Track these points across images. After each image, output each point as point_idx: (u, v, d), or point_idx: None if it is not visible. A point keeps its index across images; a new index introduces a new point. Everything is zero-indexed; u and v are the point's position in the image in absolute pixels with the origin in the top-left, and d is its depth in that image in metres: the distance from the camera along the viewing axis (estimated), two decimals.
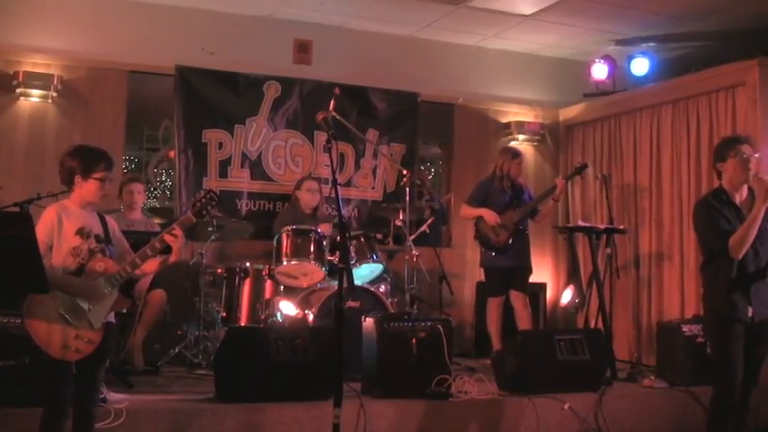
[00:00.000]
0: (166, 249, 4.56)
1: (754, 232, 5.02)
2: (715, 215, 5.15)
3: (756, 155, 5.23)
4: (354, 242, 7.33)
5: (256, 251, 8.09)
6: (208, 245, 7.54)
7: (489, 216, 7.70)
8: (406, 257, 7.84)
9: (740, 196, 5.25)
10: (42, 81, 7.86)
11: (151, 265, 4.62)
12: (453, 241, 9.54)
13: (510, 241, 7.66)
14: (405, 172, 8.07)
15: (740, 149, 5.18)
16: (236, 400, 5.54)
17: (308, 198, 7.91)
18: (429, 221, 8.46)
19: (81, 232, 4.44)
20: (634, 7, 8.34)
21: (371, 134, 9.12)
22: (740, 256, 5.06)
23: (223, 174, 8.58)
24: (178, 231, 4.54)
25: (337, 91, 7.18)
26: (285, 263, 7.13)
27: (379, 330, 6.00)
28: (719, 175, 5.33)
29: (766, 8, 8.10)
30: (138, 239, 4.91)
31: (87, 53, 8.15)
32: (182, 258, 5.05)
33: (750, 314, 5.11)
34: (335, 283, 5.63)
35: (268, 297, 7.41)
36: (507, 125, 9.82)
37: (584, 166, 8.16)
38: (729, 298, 5.12)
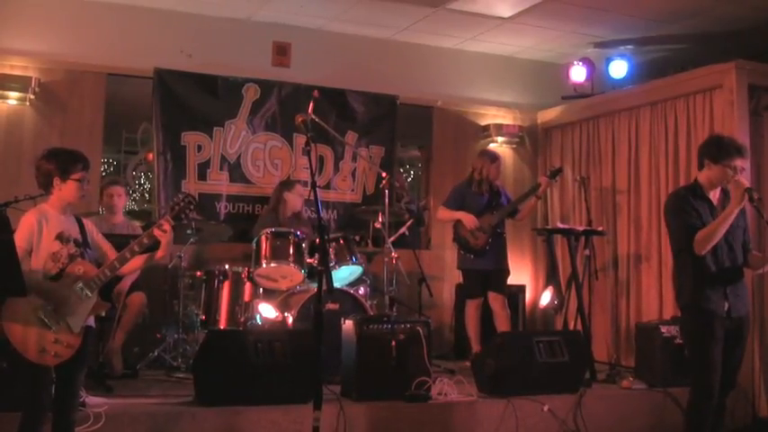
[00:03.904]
0: (151, 247, 4.56)
1: (723, 231, 5.04)
2: (686, 208, 5.16)
3: (745, 169, 5.24)
4: (333, 244, 7.32)
5: (235, 254, 8.08)
6: (186, 248, 7.52)
7: (467, 220, 7.72)
8: (386, 260, 7.81)
9: (714, 195, 5.28)
10: (20, 83, 7.81)
11: (136, 263, 4.62)
12: (432, 243, 9.55)
13: (488, 244, 7.69)
14: (383, 174, 8.06)
15: (732, 162, 5.12)
16: (216, 404, 5.51)
17: (296, 201, 7.94)
18: (408, 224, 8.47)
19: (60, 237, 4.43)
20: (612, 10, 8.38)
21: (350, 137, 9.11)
22: (703, 253, 5.07)
23: (202, 176, 8.54)
24: (167, 226, 4.54)
25: (316, 94, 7.16)
26: (264, 265, 7.11)
27: (358, 333, 5.99)
28: (701, 166, 5.32)
29: (743, 11, 8.18)
30: (120, 243, 4.88)
31: (65, 55, 8.10)
32: (161, 261, 5.03)
33: (726, 308, 5.12)
34: (315, 286, 5.64)
35: (247, 300, 7.36)
36: (486, 128, 9.83)
37: (559, 170, 8.18)
38: (704, 292, 5.12)
